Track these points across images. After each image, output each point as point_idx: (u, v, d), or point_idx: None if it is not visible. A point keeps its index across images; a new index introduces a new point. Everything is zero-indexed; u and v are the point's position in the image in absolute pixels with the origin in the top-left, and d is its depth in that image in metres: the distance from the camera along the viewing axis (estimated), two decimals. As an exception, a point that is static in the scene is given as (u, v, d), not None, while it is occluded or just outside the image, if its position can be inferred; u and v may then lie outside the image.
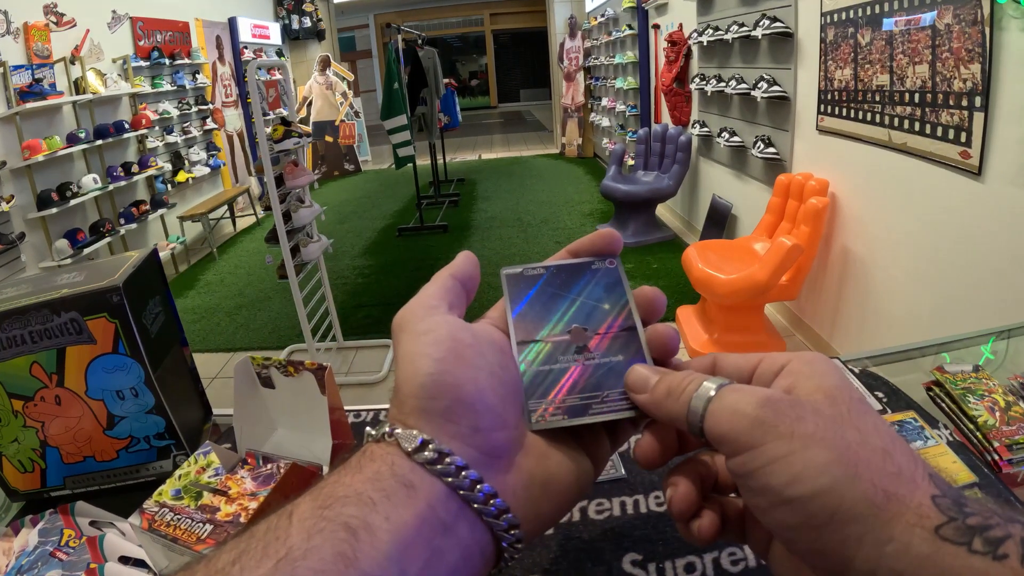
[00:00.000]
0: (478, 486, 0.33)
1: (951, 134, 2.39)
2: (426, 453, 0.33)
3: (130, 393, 0.74)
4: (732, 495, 0.40)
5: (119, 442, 0.76)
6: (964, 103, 2.31)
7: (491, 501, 0.33)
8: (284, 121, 3.26)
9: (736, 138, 4.57)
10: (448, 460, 0.33)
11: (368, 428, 0.36)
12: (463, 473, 0.33)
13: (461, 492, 0.33)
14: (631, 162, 6.44)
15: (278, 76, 3.56)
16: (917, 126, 2.59)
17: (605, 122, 9.01)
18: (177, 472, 0.69)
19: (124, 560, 0.63)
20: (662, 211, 6.50)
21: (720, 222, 5.00)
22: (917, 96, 2.57)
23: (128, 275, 0.72)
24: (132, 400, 0.74)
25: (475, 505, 0.33)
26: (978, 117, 2.25)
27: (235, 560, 0.28)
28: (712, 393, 0.35)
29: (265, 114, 3.03)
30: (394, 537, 0.30)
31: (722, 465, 0.39)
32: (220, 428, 0.85)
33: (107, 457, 0.77)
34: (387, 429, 0.35)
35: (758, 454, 0.31)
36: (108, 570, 0.61)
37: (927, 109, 2.52)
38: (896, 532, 0.29)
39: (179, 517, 0.61)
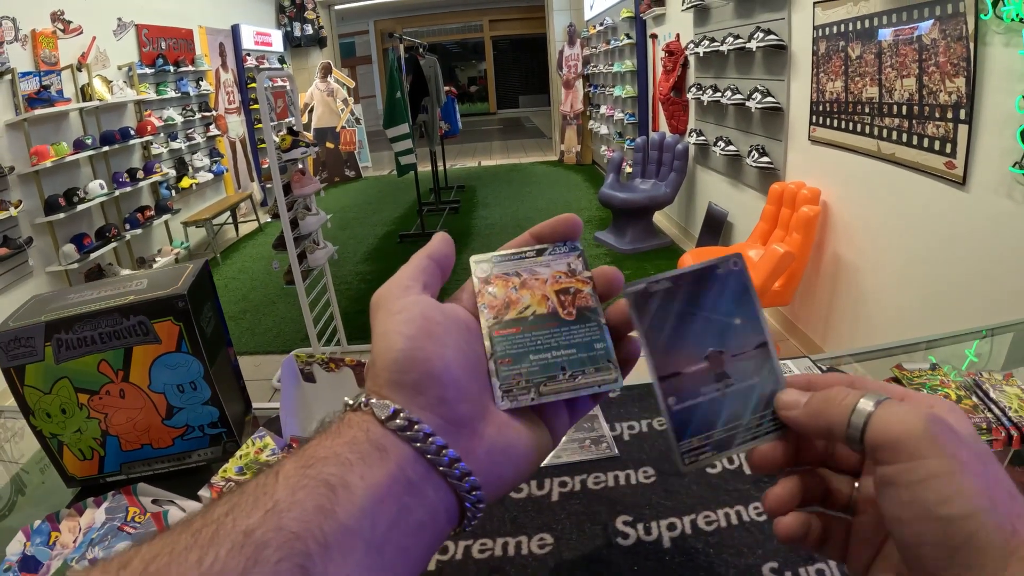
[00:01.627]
0: (444, 451, 0.36)
1: (937, 145, 2.47)
2: (397, 421, 0.36)
3: (189, 387, 0.82)
4: (841, 513, 0.42)
5: (176, 431, 0.85)
6: (949, 115, 2.40)
7: (455, 465, 0.37)
8: (291, 131, 3.34)
9: (732, 147, 4.65)
10: (416, 427, 0.36)
11: (346, 398, 0.39)
12: (430, 439, 0.36)
13: (428, 456, 0.36)
14: (629, 170, 6.51)
15: (286, 86, 3.62)
16: (905, 137, 2.67)
17: (603, 130, 9.09)
18: (237, 453, 0.77)
19: None
20: (659, 218, 6.58)
21: (716, 229, 5.07)
22: (905, 108, 2.66)
23: (190, 284, 0.80)
24: (191, 393, 0.83)
25: (440, 468, 0.36)
26: (962, 129, 2.33)
27: (228, 512, 0.31)
28: (873, 403, 0.36)
29: (274, 124, 3.10)
30: (368, 493, 0.33)
31: (838, 483, 0.42)
32: (258, 420, 0.93)
33: (163, 444, 0.85)
34: (363, 399, 0.38)
35: (919, 466, 0.33)
36: None
37: (914, 121, 2.60)
38: (1013, 565, 0.31)
39: (289, 454, 0.68)
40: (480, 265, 0.47)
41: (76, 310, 0.78)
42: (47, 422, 0.83)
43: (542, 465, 0.77)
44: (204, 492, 0.71)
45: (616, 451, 0.80)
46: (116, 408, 0.82)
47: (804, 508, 0.41)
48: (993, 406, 0.81)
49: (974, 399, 0.83)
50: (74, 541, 0.78)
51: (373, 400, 0.37)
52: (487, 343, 0.43)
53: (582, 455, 0.80)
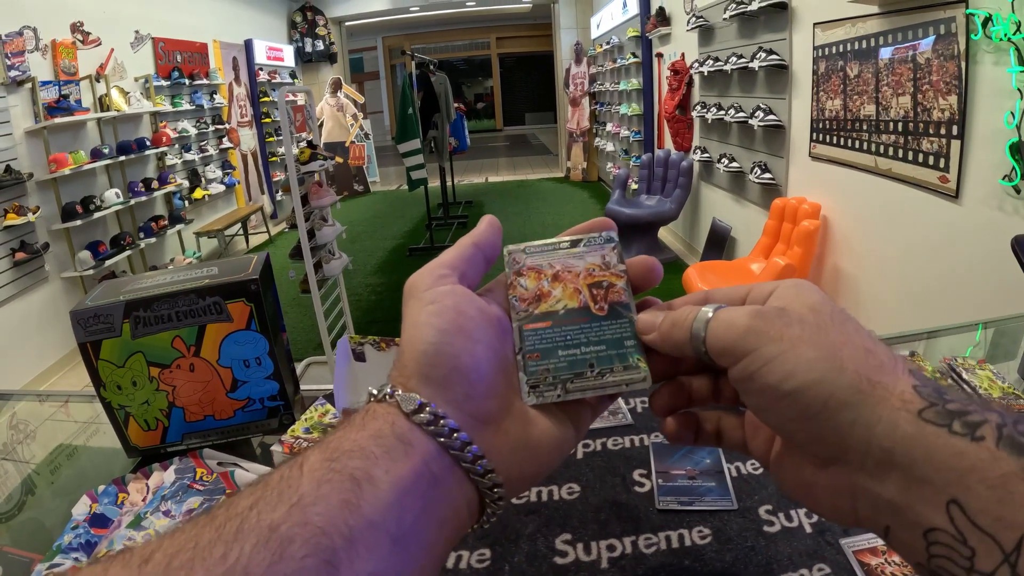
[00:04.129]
0: (468, 447, 0.36)
1: (931, 160, 2.58)
2: (423, 415, 0.36)
3: (255, 362, 0.92)
4: (736, 409, 0.44)
5: (238, 403, 0.94)
6: (942, 131, 2.50)
7: (479, 461, 0.36)
8: (311, 144, 3.45)
9: (735, 164, 4.76)
10: (442, 423, 0.36)
11: (371, 388, 0.39)
12: (455, 435, 0.36)
13: (452, 452, 0.36)
14: (635, 186, 6.61)
15: (303, 101, 3.77)
16: (900, 153, 2.78)
17: (609, 147, 9.18)
18: (303, 417, 0.86)
19: None
20: (664, 234, 6.68)
21: (720, 244, 5.17)
22: (900, 125, 2.77)
23: (259, 271, 0.90)
24: (256, 368, 0.92)
25: (464, 464, 0.36)
26: (955, 144, 2.44)
27: (252, 505, 0.31)
28: (710, 315, 0.38)
29: (293, 136, 3.21)
30: (393, 488, 0.33)
31: (723, 382, 0.43)
32: (305, 401, 1.02)
33: (225, 416, 0.94)
34: (388, 390, 0.37)
35: (755, 357, 0.35)
36: None
37: (909, 137, 2.71)
38: (883, 414, 0.32)
39: (312, 445, 0.77)
40: (514, 255, 0.47)
41: (155, 291, 0.87)
42: (117, 394, 0.92)
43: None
44: (276, 448, 0.80)
45: (631, 420, 0.90)
46: (184, 381, 0.91)
47: (699, 408, 0.44)
48: (965, 386, 0.91)
49: (948, 381, 0.92)
50: (143, 499, 0.86)
51: (399, 392, 0.37)
52: (516, 336, 0.43)
53: (602, 423, 0.89)
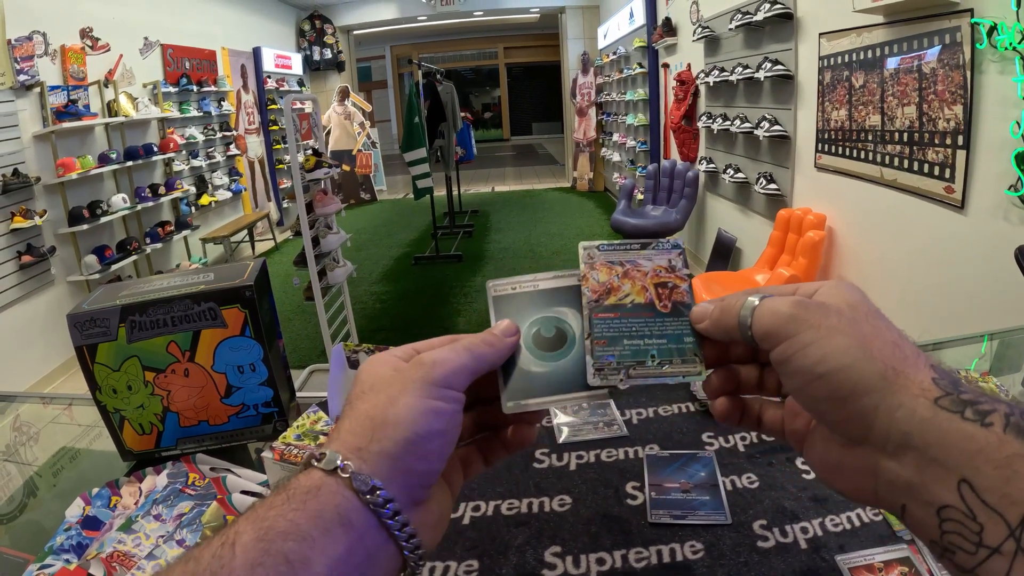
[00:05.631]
0: (405, 528, 0.38)
1: (936, 170, 2.57)
2: (374, 498, 0.37)
3: (249, 368, 0.92)
4: (777, 399, 0.47)
5: (232, 408, 0.94)
6: (948, 141, 2.49)
7: (412, 539, 0.39)
8: (316, 152, 3.46)
9: (740, 174, 4.75)
10: (391, 507, 0.38)
11: (316, 454, 0.39)
12: (398, 517, 0.38)
13: (392, 532, 0.38)
14: (640, 196, 6.60)
15: (309, 109, 3.78)
16: (906, 163, 2.77)
17: (616, 157, 9.18)
18: (295, 424, 0.86)
19: (245, 493, 0.80)
20: (669, 244, 6.65)
21: (725, 254, 5.15)
22: (906, 135, 2.75)
23: (255, 277, 0.90)
24: (250, 374, 0.92)
25: (400, 542, 0.38)
26: (960, 154, 2.43)
27: None
28: (756, 303, 0.42)
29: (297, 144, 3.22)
30: (328, 569, 0.34)
31: (768, 373, 0.47)
32: (300, 407, 1.02)
33: (219, 421, 0.94)
34: (340, 463, 0.38)
35: (794, 342, 0.38)
36: (236, 499, 0.78)
37: (915, 147, 2.70)
38: (904, 400, 0.35)
39: (303, 451, 0.76)
40: (587, 251, 0.51)
41: (150, 296, 0.87)
42: (112, 398, 0.91)
43: (561, 442, 0.87)
44: (267, 454, 0.80)
45: (626, 431, 0.89)
46: (179, 386, 0.91)
47: (746, 395, 0.48)
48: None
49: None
50: (135, 503, 0.86)
51: (354, 471, 0.38)
52: (586, 323, 0.47)
53: (596, 435, 0.88)
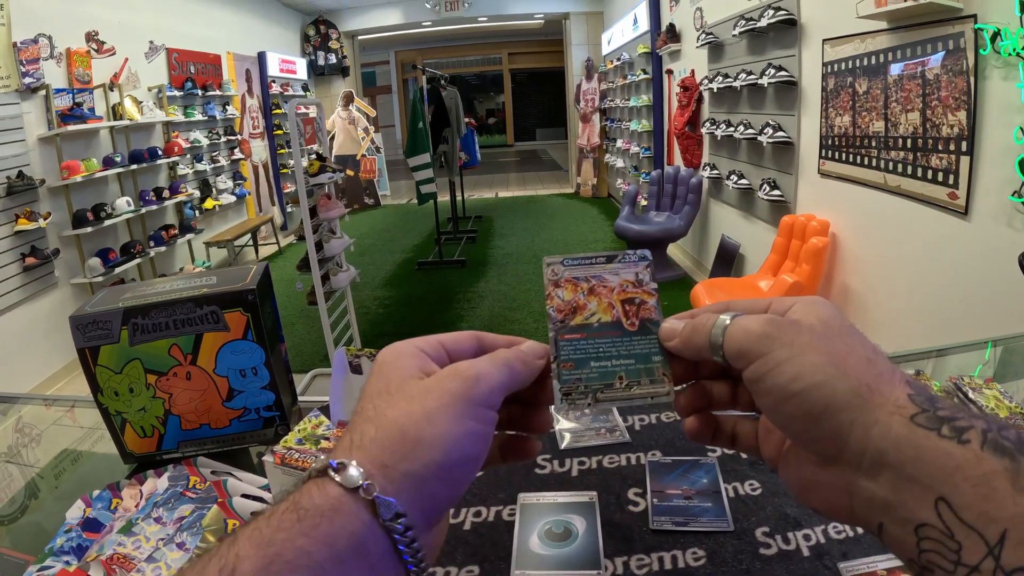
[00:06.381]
0: (419, 554, 0.36)
1: (940, 177, 2.56)
2: (394, 524, 0.35)
3: (251, 372, 0.92)
4: (752, 414, 0.46)
5: (234, 412, 0.93)
6: (952, 147, 2.49)
7: (421, 564, 0.37)
8: (319, 156, 3.46)
9: (744, 181, 4.75)
10: (410, 535, 0.36)
11: (331, 463, 0.36)
12: (414, 545, 0.36)
13: (405, 558, 0.36)
14: (644, 203, 6.60)
15: (313, 114, 3.81)
16: (910, 169, 2.76)
17: (619, 163, 9.17)
18: (296, 428, 0.85)
19: (245, 497, 0.80)
20: (673, 250, 6.66)
21: (728, 261, 5.14)
22: (909, 141, 2.75)
23: (257, 280, 0.90)
24: (252, 378, 0.92)
25: (411, 567, 0.36)
26: (964, 160, 2.42)
27: None
28: (728, 322, 0.41)
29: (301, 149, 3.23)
30: None
31: (742, 389, 0.45)
32: (302, 412, 1.02)
33: (220, 425, 0.94)
34: (363, 483, 0.35)
35: (767, 360, 0.38)
36: (236, 503, 0.77)
37: (918, 153, 2.70)
38: (880, 417, 0.35)
39: (304, 456, 0.76)
40: (552, 267, 0.49)
41: (153, 299, 0.87)
42: (114, 400, 0.91)
43: (563, 448, 0.86)
44: (268, 458, 0.80)
45: (628, 437, 0.89)
46: (181, 389, 0.91)
47: (719, 412, 0.47)
48: (972, 406, 0.89)
49: (955, 400, 0.91)
50: (136, 505, 0.86)
51: (378, 495, 0.35)
52: (552, 346, 0.46)
53: (598, 441, 0.88)
